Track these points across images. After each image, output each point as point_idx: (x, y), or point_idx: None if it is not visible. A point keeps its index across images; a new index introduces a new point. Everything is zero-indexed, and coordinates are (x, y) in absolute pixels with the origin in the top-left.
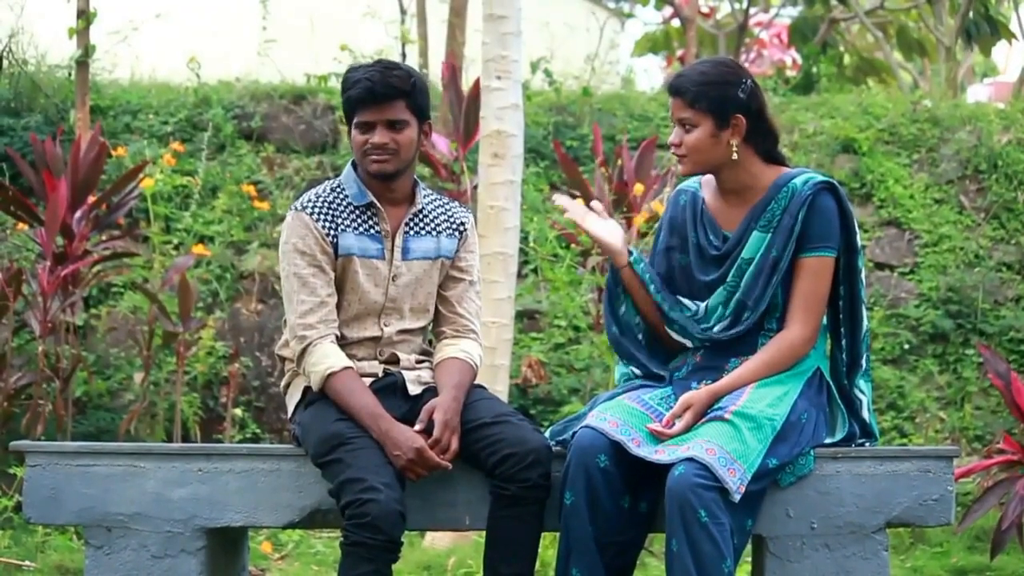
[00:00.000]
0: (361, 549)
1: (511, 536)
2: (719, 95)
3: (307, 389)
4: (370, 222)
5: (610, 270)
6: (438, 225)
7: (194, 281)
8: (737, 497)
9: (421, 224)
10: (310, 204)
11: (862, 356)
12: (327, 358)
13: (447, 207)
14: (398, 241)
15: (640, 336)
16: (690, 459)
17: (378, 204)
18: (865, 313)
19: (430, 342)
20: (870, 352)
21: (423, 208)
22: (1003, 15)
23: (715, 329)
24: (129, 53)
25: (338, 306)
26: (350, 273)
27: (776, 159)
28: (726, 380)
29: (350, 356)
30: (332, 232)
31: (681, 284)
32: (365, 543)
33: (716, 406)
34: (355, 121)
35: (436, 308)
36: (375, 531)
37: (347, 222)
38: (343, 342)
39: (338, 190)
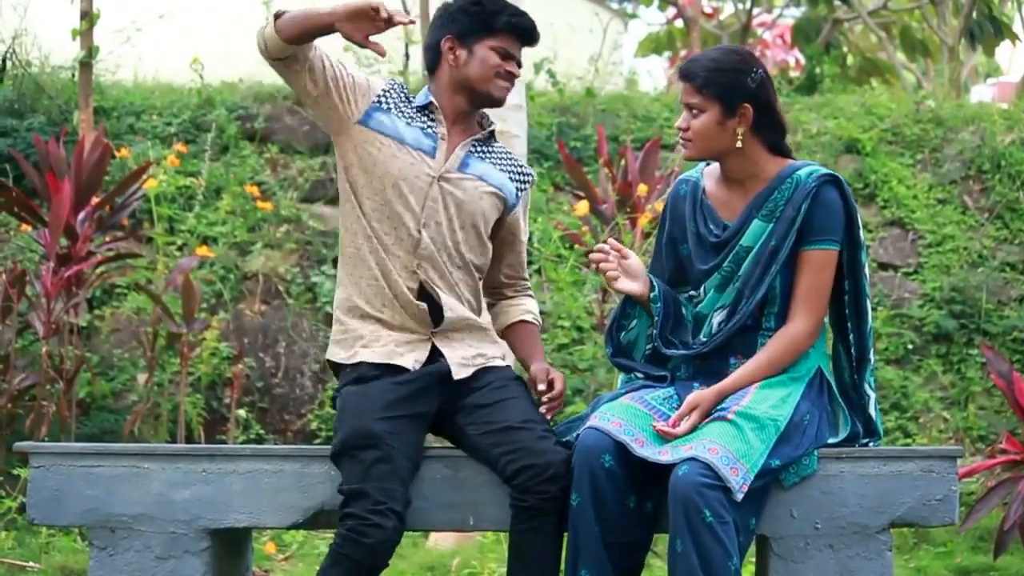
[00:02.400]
0: (348, 563)
1: (533, 550)
2: (728, 82)
3: (360, 361)
4: (427, 122)
5: (624, 297)
6: (503, 163)
7: (198, 282)
8: (740, 496)
9: (487, 152)
10: (390, 82)
11: (869, 350)
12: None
13: (516, 160)
14: (458, 152)
15: (644, 350)
16: (693, 459)
17: (437, 106)
18: (869, 308)
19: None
20: (873, 346)
21: (491, 142)
22: (1006, 15)
23: (713, 324)
24: (132, 54)
25: (375, 192)
26: (389, 159)
27: (782, 151)
28: (731, 379)
29: (381, 269)
30: (383, 104)
31: (688, 274)
32: (354, 560)
33: (719, 406)
34: (497, 45)
35: (495, 268)
36: (369, 555)
37: (403, 112)
38: (378, 243)
39: (409, 95)
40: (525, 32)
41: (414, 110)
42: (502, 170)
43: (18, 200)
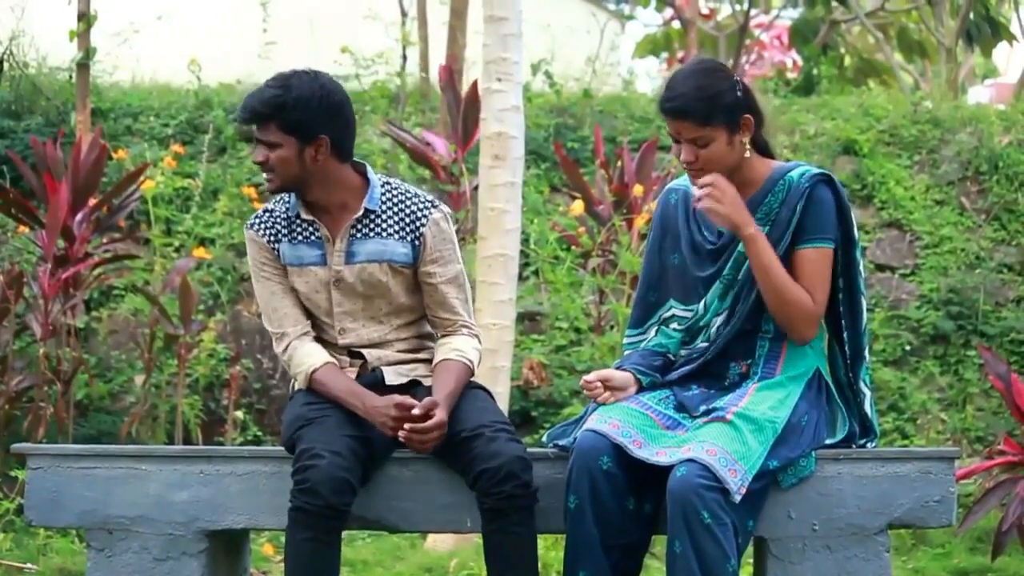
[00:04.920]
0: (301, 515)
1: (502, 551)
2: (725, 104)
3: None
4: (309, 229)
5: None
6: (389, 227)
7: (195, 283)
8: (738, 498)
9: (371, 226)
10: (257, 220)
11: (864, 348)
12: (308, 357)
13: (406, 207)
14: (339, 245)
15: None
16: (691, 460)
17: (304, 215)
18: (864, 305)
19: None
20: (870, 347)
21: (375, 210)
22: (1004, 16)
23: (713, 329)
24: (130, 55)
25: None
26: (291, 281)
27: (767, 151)
28: (763, 239)
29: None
30: (273, 242)
31: (675, 284)
32: (304, 508)
33: (717, 406)
34: None
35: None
36: (314, 496)
37: (284, 232)
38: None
39: (286, 200)
40: (240, 120)
41: (293, 220)
42: (388, 235)
43: (15, 201)
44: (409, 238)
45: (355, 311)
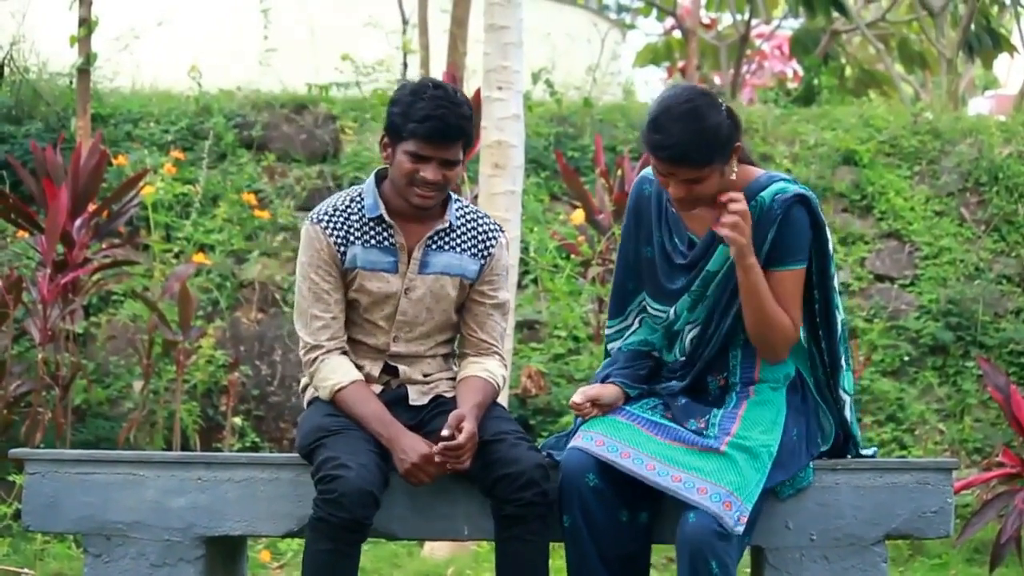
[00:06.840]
0: (323, 526)
1: (517, 559)
2: (721, 142)
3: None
4: (384, 234)
5: None
6: (464, 243)
7: (194, 290)
8: (739, 529)
9: (446, 240)
10: (325, 217)
11: (841, 357)
12: (336, 372)
13: (479, 226)
14: (416, 254)
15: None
16: (699, 509)
17: (388, 219)
18: (840, 317)
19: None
20: (849, 353)
21: (451, 224)
22: (1004, 27)
23: (687, 340)
24: (130, 61)
25: (352, 309)
26: (357, 285)
27: (744, 157)
28: (756, 271)
29: (355, 364)
30: (342, 244)
31: (648, 280)
32: (327, 520)
33: (710, 435)
34: (407, 149)
35: (462, 329)
36: (339, 508)
37: (357, 234)
38: (349, 345)
39: (357, 200)
40: (435, 136)
41: (368, 223)
42: (463, 251)
43: (15, 207)
44: (479, 256)
45: (414, 322)
